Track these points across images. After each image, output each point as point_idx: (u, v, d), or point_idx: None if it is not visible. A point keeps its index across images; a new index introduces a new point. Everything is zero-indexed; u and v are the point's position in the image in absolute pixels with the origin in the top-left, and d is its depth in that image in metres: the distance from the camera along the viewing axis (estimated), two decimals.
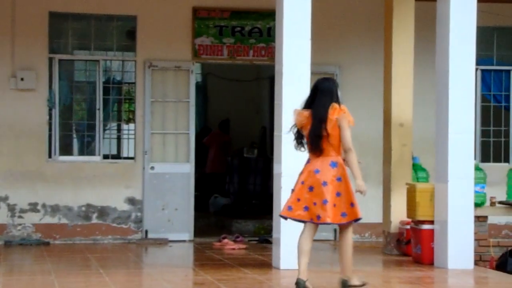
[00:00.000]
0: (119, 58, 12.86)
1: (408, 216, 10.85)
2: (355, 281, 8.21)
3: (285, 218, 8.25)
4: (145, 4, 12.68)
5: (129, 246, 12.17)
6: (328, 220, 7.97)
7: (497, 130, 13.54)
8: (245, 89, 17.08)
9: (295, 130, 8.22)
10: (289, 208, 8.14)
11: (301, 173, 8.16)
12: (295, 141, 8.24)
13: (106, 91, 12.73)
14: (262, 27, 13.00)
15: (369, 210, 12.62)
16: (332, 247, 12.43)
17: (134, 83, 12.85)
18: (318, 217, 8.00)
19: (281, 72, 9.78)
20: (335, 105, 8.06)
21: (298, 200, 8.09)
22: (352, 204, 8.06)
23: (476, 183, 10.17)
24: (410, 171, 11.58)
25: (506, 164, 13.30)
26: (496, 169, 12.57)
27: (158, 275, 9.46)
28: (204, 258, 11.01)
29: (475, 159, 10.27)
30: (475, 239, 10.05)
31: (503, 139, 13.51)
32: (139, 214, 12.61)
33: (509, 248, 10.71)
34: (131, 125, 13.12)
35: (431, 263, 10.11)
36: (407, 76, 11.53)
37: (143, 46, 12.68)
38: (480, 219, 10.81)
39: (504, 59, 13.61)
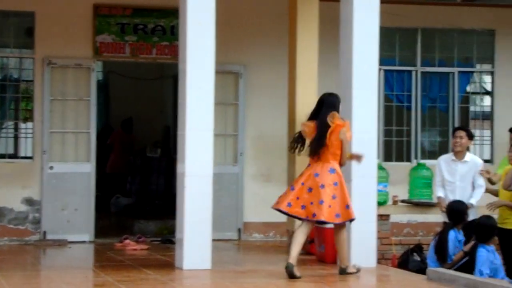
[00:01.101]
0: (16, 55, 12.57)
1: None
2: (351, 269, 9.31)
3: (281, 211, 9.20)
4: (43, 0, 12.40)
5: (27, 247, 11.90)
6: (322, 218, 8.97)
7: (399, 130, 13.72)
8: (148, 87, 16.92)
9: (297, 135, 9.31)
10: (289, 204, 9.12)
11: (302, 175, 9.20)
12: (291, 144, 9.35)
13: (2, 89, 12.46)
14: (166, 25, 12.89)
15: (273, 209, 12.69)
16: (236, 246, 12.39)
17: (32, 81, 12.55)
18: (314, 214, 8.99)
19: (185, 70, 9.70)
20: (335, 113, 9.11)
21: (297, 198, 9.08)
22: (347, 206, 9.04)
23: (378, 182, 10.26)
24: None
25: (408, 163, 13.48)
26: (398, 168, 12.74)
27: (57, 277, 9.24)
28: (105, 259, 10.83)
29: (378, 158, 10.33)
30: (378, 238, 10.13)
31: (405, 139, 13.69)
32: (37, 215, 12.35)
33: (411, 246, 10.84)
34: (29, 124, 12.81)
35: (334, 262, 10.14)
36: (311, 76, 11.57)
37: (42, 43, 12.42)
38: (382, 218, 10.91)
39: (406, 59, 13.80)
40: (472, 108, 14.37)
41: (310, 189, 9.04)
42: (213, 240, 9.69)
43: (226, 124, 13.00)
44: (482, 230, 9.54)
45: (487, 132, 14.22)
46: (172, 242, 11.50)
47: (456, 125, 13.72)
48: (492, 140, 13.96)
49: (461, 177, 10.41)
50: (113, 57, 12.85)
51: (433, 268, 9.38)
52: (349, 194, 9.17)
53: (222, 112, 12.77)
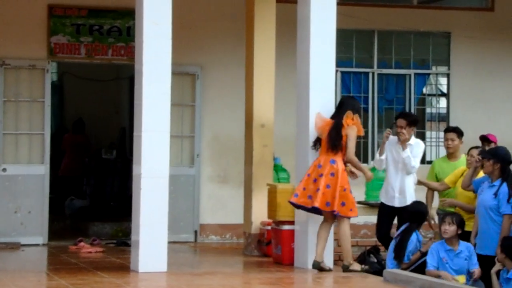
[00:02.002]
0: None
1: (269, 217, 10.87)
2: (355, 267, 9.59)
3: (291, 203, 9.73)
4: None
5: None
6: (316, 205, 9.46)
7: None
8: (104, 89, 16.80)
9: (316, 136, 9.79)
10: (295, 195, 9.67)
11: (310, 166, 9.67)
12: (313, 142, 9.81)
13: None
14: (121, 26, 12.81)
15: (229, 211, 12.69)
16: (192, 249, 12.34)
17: None
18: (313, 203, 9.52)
19: (141, 71, 9.65)
20: (349, 113, 9.62)
21: (304, 189, 9.60)
22: (342, 204, 9.48)
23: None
24: (271, 171, 11.64)
25: (365, 164, 13.49)
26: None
27: (9, 280, 9.12)
28: (59, 262, 10.73)
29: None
30: (335, 239, 10.13)
31: (362, 140, 13.71)
32: None
33: (368, 248, 10.84)
34: None
35: (291, 264, 10.14)
36: (269, 77, 11.57)
37: None
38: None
39: (363, 61, 13.85)
40: (428, 110, 14.46)
41: (314, 180, 9.55)
42: (169, 242, 9.64)
43: (183, 126, 12.94)
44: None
45: (442, 134, 14.29)
46: (128, 245, 11.42)
47: None
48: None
49: None
50: (68, 58, 12.75)
51: (389, 270, 9.40)
52: (349, 190, 9.55)
53: (179, 114, 12.71)
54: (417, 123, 10.63)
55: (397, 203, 10.17)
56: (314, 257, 9.60)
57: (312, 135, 9.92)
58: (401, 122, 10.20)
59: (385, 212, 10.28)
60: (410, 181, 10.20)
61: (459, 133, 10.53)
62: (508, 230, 8.96)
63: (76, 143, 15.85)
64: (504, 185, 9.07)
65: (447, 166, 10.48)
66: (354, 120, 9.69)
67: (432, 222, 10.38)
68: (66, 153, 15.74)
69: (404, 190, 10.13)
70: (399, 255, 9.69)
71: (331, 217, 9.63)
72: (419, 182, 10.42)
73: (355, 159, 9.71)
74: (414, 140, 10.34)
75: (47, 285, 9.21)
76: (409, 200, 10.14)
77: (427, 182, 10.50)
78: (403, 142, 10.11)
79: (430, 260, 9.26)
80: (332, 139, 9.60)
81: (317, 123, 9.78)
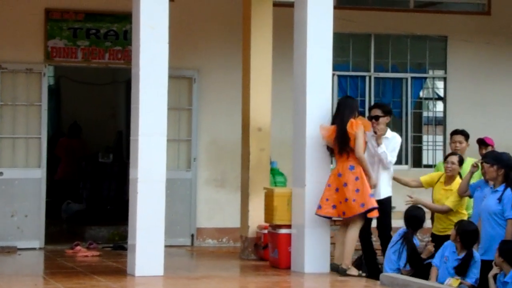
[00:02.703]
0: None
1: (266, 221, 10.86)
2: (352, 271, 9.61)
3: (318, 215, 9.74)
4: None
5: None
6: (351, 215, 9.55)
7: None
8: (100, 92, 16.79)
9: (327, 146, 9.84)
10: (319, 206, 9.70)
11: (330, 176, 9.75)
12: (329, 152, 9.89)
13: None
14: (118, 30, 12.81)
15: (226, 215, 12.68)
16: (189, 253, 12.33)
17: None
18: (344, 213, 9.61)
19: (138, 75, 9.65)
20: (352, 121, 9.64)
21: (327, 200, 9.65)
22: (371, 195, 9.58)
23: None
24: (268, 175, 11.63)
25: None
26: None
27: (5, 284, 9.13)
28: (56, 266, 10.71)
29: (332, 163, 10.33)
30: (331, 243, 10.13)
31: None
32: None
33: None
34: None
35: (288, 268, 10.14)
36: (265, 81, 11.57)
37: None
38: (336, 223, 10.88)
39: (359, 65, 13.86)
40: (425, 114, 14.48)
41: (337, 189, 9.64)
42: (166, 246, 9.64)
43: (180, 129, 12.93)
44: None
45: (439, 138, 14.33)
46: (124, 249, 11.40)
47: (409, 130, 13.85)
48: (444, 145, 14.04)
49: None
50: (65, 61, 12.75)
51: (386, 274, 9.40)
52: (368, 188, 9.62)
53: (176, 117, 12.71)
54: (391, 113, 10.56)
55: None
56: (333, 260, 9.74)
57: (309, 139, 9.92)
58: (376, 111, 10.16)
59: None
60: (385, 176, 10.13)
61: (466, 135, 10.53)
62: None
63: (72, 147, 15.83)
64: (509, 190, 9.07)
65: None
66: (357, 122, 9.68)
67: None
68: (61, 157, 15.72)
69: (378, 184, 9.99)
70: (415, 263, 9.64)
71: (358, 218, 9.64)
72: (394, 178, 10.37)
73: (364, 159, 9.69)
74: (390, 134, 10.30)
75: None
76: (382, 195, 10.03)
77: (399, 178, 10.44)
78: (379, 137, 10.06)
79: (436, 256, 9.29)
80: (340, 144, 9.66)
81: (323, 135, 9.79)
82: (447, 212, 9.97)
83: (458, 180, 9.98)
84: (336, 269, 9.67)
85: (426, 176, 10.35)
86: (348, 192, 9.54)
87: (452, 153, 10.33)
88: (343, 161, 9.66)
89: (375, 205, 9.58)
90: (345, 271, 9.57)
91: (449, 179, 10.05)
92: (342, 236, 9.75)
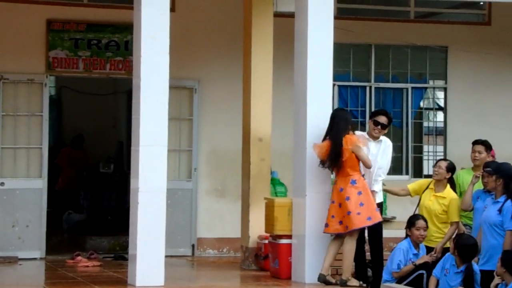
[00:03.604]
0: None
1: (266, 231, 10.85)
2: (353, 282, 9.54)
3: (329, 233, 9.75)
4: None
5: None
6: (354, 228, 9.48)
7: None
8: (101, 103, 16.81)
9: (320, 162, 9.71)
10: (326, 225, 9.68)
11: (332, 192, 9.70)
12: (327, 168, 9.76)
13: None
14: (119, 41, 12.83)
15: (227, 225, 12.68)
16: (190, 263, 12.32)
17: None
18: (346, 227, 9.53)
19: (139, 86, 9.66)
20: (347, 137, 9.55)
21: (333, 216, 9.61)
22: (377, 209, 9.60)
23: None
24: (269, 185, 11.63)
25: None
26: None
27: None
28: (56, 277, 10.70)
29: (332, 173, 10.33)
30: None
31: None
32: None
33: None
34: None
35: (288, 278, 10.12)
36: (266, 91, 11.58)
37: None
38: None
39: (360, 75, 13.87)
40: (425, 124, 14.48)
41: (340, 205, 9.57)
42: (167, 256, 9.63)
43: (180, 140, 12.95)
44: (465, 250, 9.15)
45: (440, 148, 14.33)
46: (125, 259, 11.40)
47: (410, 140, 13.85)
48: (445, 155, 14.04)
49: None
50: (66, 72, 12.76)
51: (386, 284, 9.38)
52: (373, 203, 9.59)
53: (176, 127, 12.72)
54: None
55: None
56: (320, 270, 9.60)
57: (310, 149, 9.91)
58: (382, 119, 10.02)
59: None
60: (379, 182, 9.99)
61: (487, 146, 10.44)
62: (510, 246, 8.95)
63: (74, 158, 15.84)
64: (509, 201, 9.04)
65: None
66: (352, 139, 9.58)
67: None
68: (62, 167, 15.73)
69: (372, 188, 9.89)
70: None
71: (356, 231, 9.58)
72: (384, 189, 10.31)
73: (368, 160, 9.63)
74: (384, 138, 10.10)
75: None
76: (377, 200, 9.90)
77: (389, 189, 10.35)
78: (375, 139, 9.93)
79: (437, 267, 9.25)
80: (332, 159, 9.58)
81: (317, 153, 9.67)
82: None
83: (449, 188, 9.94)
84: (324, 280, 9.55)
85: (413, 184, 10.27)
86: (351, 205, 9.47)
87: (442, 159, 10.31)
88: (344, 176, 9.57)
89: (381, 219, 9.63)
90: (345, 282, 9.52)
91: (439, 186, 9.96)
92: (334, 248, 9.66)
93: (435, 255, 9.58)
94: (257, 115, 11.55)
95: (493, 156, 10.83)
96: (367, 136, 10.01)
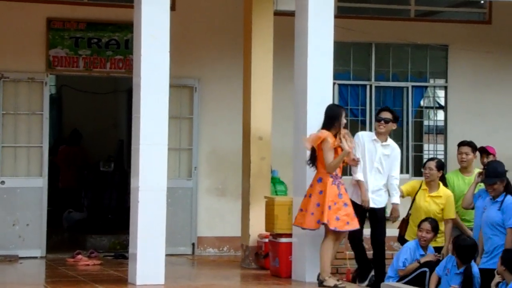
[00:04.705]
0: None
1: (267, 230, 10.86)
2: (329, 282, 9.23)
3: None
4: None
5: None
6: (305, 226, 9.36)
7: None
8: (102, 101, 16.81)
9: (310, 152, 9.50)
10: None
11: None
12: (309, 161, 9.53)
13: None
14: (120, 39, 12.83)
15: (227, 224, 12.69)
16: (190, 261, 12.33)
17: None
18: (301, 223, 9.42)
19: (139, 84, 9.66)
20: (320, 132, 9.35)
21: (301, 210, 9.43)
22: (337, 218, 9.21)
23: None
24: (269, 184, 11.63)
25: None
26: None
27: None
28: (57, 275, 10.71)
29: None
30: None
31: None
32: None
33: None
34: None
35: (289, 277, 10.12)
36: (266, 90, 11.58)
37: None
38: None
39: (360, 74, 13.87)
40: (426, 123, 14.49)
41: (310, 195, 9.41)
42: (167, 255, 9.63)
43: (181, 138, 12.95)
44: (463, 252, 9.18)
45: (440, 146, 14.34)
46: (125, 257, 11.40)
47: (410, 139, 13.85)
48: (446, 154, 14.06)
49: None
50: (66, 71, 12.77)
51: (386, 283, 9.39)
52: (343, 203, 9.26)
53: (177, 126, 12.73)
54: (397, 122, 10.26)
55: (370, 204, 9.86)
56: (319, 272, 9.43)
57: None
58: (387, 114, 9.95)
59: (356, 212, 9.66)
60: (384, 184, 9.90)
61: (473, 147, 10.39)
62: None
63: (72, 155, 15.84)
64: (508, 197, 9.04)
65: (462, 181, 10.26)
66: (311, 136, 9.44)
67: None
68: (61, 166, 15.73)
69: (378, 190, 9.86)
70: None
71: (326, 232, 9.30)
72: None
73: (333, 164, 9.26)
74: (392, 143, 10.02)
75: None
76: (383, 203, 9.89)
77: None
78: (383, 139, 9.86)
79: (439, 266, 9.26)
80: (310, 155, 9.48)
81: (307, 147, 9.54)
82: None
83: (442, 187, 9.94)
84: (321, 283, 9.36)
85: (406, 185, 10.26)
86: (310, 204, 9.28)
87: (430, 159, 10.31)
88: (317, 173, 9.39)
89: (334, 226, 9.17)
90: (321, 282, 9.25)
91: (431, 186, 9.95)
92: (324, 247, 9.39)
93: (439, 255, 9.59)
94: (257, 113, 11.55)
95: (494, 155, 10.83)
96: (374, 137, 9.91)
